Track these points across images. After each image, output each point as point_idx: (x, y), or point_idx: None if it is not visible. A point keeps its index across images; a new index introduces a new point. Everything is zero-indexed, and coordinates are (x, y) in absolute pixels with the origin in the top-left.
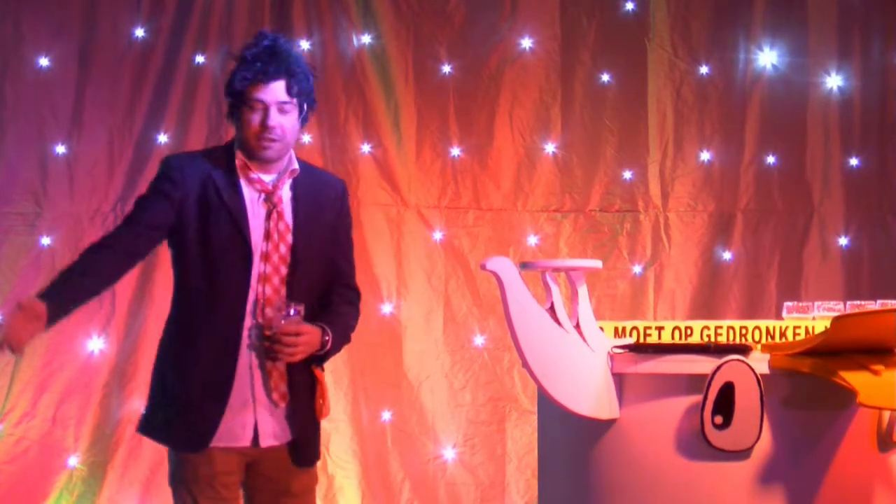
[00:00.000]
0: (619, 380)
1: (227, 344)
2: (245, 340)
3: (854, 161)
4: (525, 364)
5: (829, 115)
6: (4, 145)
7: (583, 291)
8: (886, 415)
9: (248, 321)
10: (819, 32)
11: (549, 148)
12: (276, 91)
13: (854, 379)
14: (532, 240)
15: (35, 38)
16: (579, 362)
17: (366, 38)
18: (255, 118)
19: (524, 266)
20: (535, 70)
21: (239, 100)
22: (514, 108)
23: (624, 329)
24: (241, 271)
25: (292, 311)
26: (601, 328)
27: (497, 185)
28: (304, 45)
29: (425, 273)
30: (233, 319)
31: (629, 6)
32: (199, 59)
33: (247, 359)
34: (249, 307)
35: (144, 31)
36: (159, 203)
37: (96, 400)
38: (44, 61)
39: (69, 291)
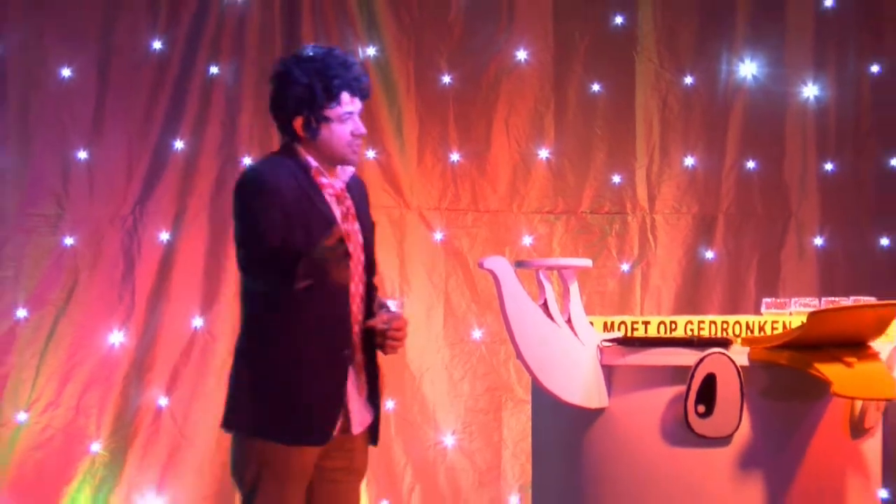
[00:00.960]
0: (608, 371)
1: (341, 340)
2: (351, 333)
3: (829, 166)
4: (520, 356)
5: (806, 124)
6: (29, 151)
7: (574, 288)
8: (859, 404)
9: (352, 319)
10: (796, 45)
11: (543, 153)
12: (357, 101)
13: (828, 370)
14: (527, 240)
15: (57, 50)
16: (571, 355)
17: (370, 50)
18: (347, 128)
19: (519, 265)
20: (529, 80)
21: (327, 112)
22: (510, 116)
23: (613, 324)
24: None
25: (396, 306)
26: (591, 323)
27: (494, 189)
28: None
29: (426, 271)
30: (342, 319)
31: (618, 20)
32: (213, 69)
33: (351, 347)
34: (350, 304)
35: (161, 44)
36: (277, 213)
37: (117, 390)
38: (66, 72)
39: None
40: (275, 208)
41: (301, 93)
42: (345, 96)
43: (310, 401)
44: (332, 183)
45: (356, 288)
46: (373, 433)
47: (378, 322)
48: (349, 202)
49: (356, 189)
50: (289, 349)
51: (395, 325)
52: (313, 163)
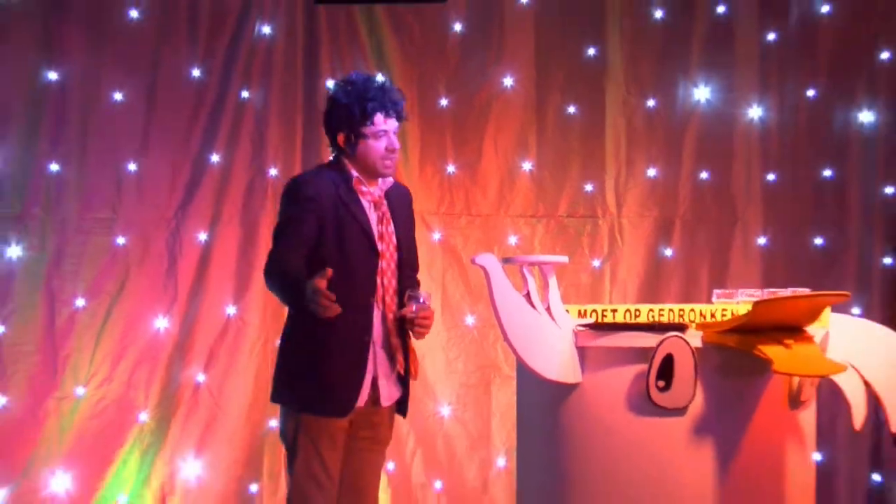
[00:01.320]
0: (582, 352)
1: (362, 329)
2: (374, 323)
3: (771, 177)
4: (506, 339)
5: (751, 140)
6: (87, 164)
7: (552, 281)
8: (796, 380)
9: (375, 309)
10: (743, 73)
11: (527, 166)
12: (394, 120)
13: (770, 351)
14: (512, 240)
15: (110, 78)
16: (550, 338)
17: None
18: (381, 144)
19: (506, 261)
20: (515, 104)
21: (364, 130)
22: (498, 134)
23: (585, 311)
24: (370, 269)
25: (422, 297)
26: (567, 310)
27: (484, 196)
28: (330, 83)
29: (426, 266)
30: (365, 309)
31: (591, 52)
32: (245, 94)
33: (372, 336)
34: (377, 297)
35: (200, 72)
36: (310, 219)
37: (162, 367)
38: (118, 96)
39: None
40: (308, 213)
41: (342, 113)
42: (378, 117)
43: (332, 381)
44: (371, 191)
45: (389, 281)
46: (402, 406)
47: (408, 311)
48: (385, 208)
49: (397, 196)
50: (316, 338)
51: (423, 315)
52: (354, 173)
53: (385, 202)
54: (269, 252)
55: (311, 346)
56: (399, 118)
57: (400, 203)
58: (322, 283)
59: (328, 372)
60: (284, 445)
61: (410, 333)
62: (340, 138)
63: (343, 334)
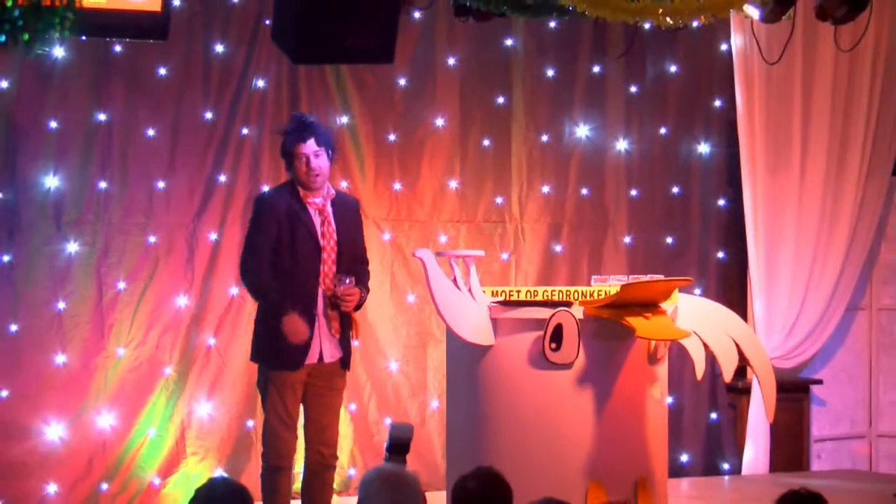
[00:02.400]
0: (494, 322)
1: (309, 303)
2: (318, 300)
3: (634, 192)
4: (438, 312)
5: (619, 165)
6: (127, 182)
7: (473, 269)
8: (653, 343)
9: (319, 289)
10: (613, 115)
11: (453, 184)
12: (311, 145)
13: (634, 322)
14: (443, 239)
15: (144, 117)
16: (471, 311)
17: (344, 118)
18: (303, 165)
19: (438, 255)
20: (444, 138)
21: (292, 156)
22: (432, 160)
23: (497, 292)
24: (314, 259)
25: (347, 280)
26: (483, 291)
27: (421, 206)
28: None
29: (379, 258)
30: (312, 288)
31: (501, 100)
32: (245, 130)
33: (317, 310)
34: (319, 280)
35: (211, 114)
36: (272, 227)
37: (182, 334)
38: (150, 132)
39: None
40: (269, 221)
41: (283, 144)
42: (298, 146)
43: (287, 345)
44: (315, 201)
45: (329, 268)
46: (344, 362)
47: (335, 290)
48: (327, 212)
49: (342, 204)
50: (276, 312)
51: (346, 292)
52: (299, 188)
53: (330, 209)
54: (245, 251)
55: (273, 320)
56: (317, 142)
57: (344, 209)
58: (295, 318)
59: (284, 338)
60: (259, 393)
61: (339, 307)
62: (285, 164)
63: (296, 309)
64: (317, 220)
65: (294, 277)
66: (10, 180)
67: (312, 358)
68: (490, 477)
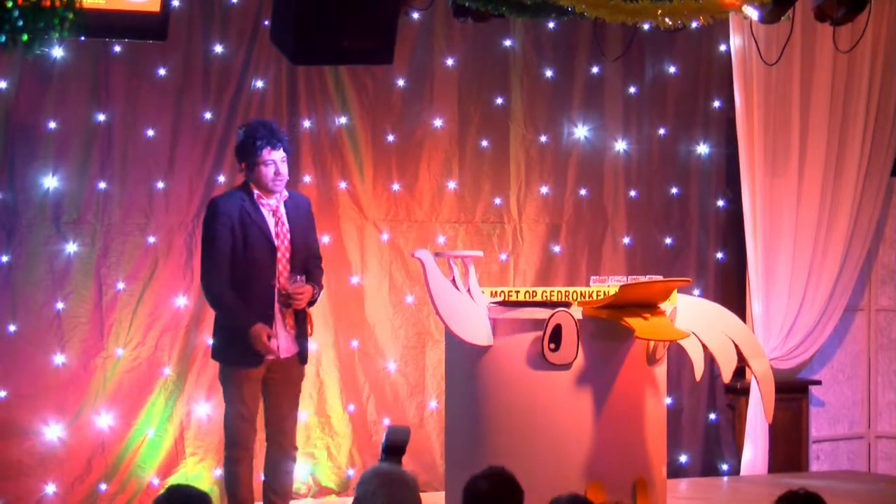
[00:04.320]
0: (493, 322)
1: (265, 301)
2: (274, 298)
3: (633, 193)
4: (437, 313)
5: (618, 166)
6: (127, 183)
7: (472, 270)
8: (652, 343)
9: (275, 288)
10: (612, 116)
11: (451, 185)
12: (280, 152)
13: (633, 322)
14: (441, 239)
15: (144, 118)
16: (470, 311)
17: (343, 119)
18: (270, 170)
19: (437, 255)
20: (443, 139)
21: (258, 160)
22: (430, 161)
23: (496, 292)
24: (269, 259)
25: (298, 278)
26: (482, 291)
27: (420, 207)
28: (307, 123)
29: (377, 259)
30: (268, 288)
31: (499, 101)
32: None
33: (274, 307)
34: (275, 279)
35: (210, 114)
36: (226, 233)
37: (182, 335)
38: (150, 132)
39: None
40: (223, 227)
41: (241, 148)
42: (266, 151)
43: (246, 343)
44: (269, 203)
45: (284, 267)
46: (301, 357)
47: (288, 288)
48: (280, 213)
49: (294, 205)
50: (241, 325)
51: (297, 291)
52: (255, 191)
53: (283, 210)
54: (203, 266)
55: (237, 330)
56: (284, 149)
57: (297, 209)
58: (262, 332)
59: (242, 337)
60: (222, 388)
61: (291, 305)
62: (243, 166)
63: (252, 310)
64: (270, 222)
65: (250, 278)
66: (10, 180)
67: (270, 355)
68: (502, 478)
